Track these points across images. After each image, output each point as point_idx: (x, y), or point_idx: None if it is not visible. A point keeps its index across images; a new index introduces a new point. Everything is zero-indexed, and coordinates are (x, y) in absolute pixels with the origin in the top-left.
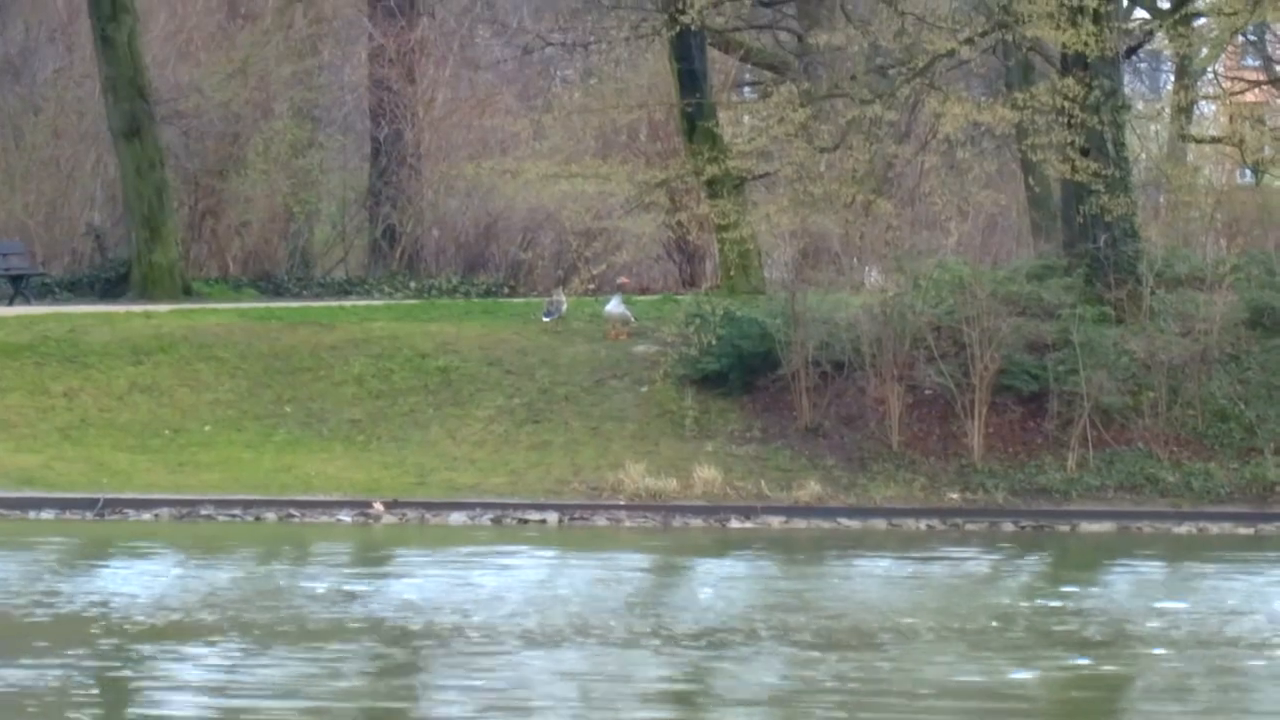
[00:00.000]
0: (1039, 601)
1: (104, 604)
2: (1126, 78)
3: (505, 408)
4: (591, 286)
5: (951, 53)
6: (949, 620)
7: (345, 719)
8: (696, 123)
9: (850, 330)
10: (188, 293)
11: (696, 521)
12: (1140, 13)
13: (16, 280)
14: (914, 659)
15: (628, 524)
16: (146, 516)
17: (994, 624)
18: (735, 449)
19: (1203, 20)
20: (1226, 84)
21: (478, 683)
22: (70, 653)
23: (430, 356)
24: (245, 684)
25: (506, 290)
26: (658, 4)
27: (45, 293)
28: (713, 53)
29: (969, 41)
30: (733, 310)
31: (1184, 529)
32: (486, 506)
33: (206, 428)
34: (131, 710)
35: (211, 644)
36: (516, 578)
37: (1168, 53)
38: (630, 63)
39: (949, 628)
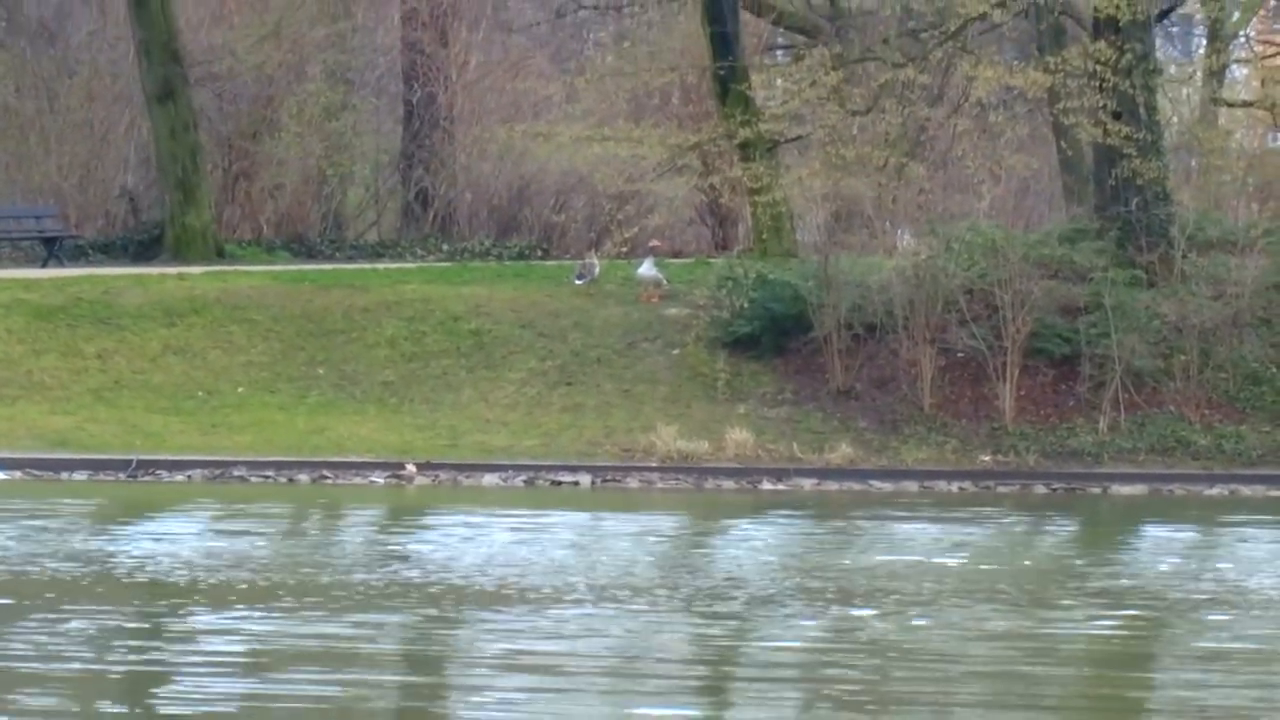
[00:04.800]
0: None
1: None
2: (1158, 41)
3: (538, 370)
4: (624, 249)
5: (984, 16)
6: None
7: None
8: (729, 86)
9: (882, 293)
10: (221, 255)
11: (728, 483)
12: None
13: (50, 243)
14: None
15: (660, 486)
16: (179, 478)
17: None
18: (767, 411)
19: None
20: (1258, 48)
21: (509, 644)
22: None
23: (463, 319)
24: (283, 648)
25: (539, 253)
26: None
27: (79, 255)
28: (745, 16)
29: (1001, 5)
30: (765, 273)
31: (1215, 491)
32: (519, 468)
33: (239, 389)
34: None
35: (254, 606)
36: (548, 538)
37: (1200, 16)
38: (663, 26)
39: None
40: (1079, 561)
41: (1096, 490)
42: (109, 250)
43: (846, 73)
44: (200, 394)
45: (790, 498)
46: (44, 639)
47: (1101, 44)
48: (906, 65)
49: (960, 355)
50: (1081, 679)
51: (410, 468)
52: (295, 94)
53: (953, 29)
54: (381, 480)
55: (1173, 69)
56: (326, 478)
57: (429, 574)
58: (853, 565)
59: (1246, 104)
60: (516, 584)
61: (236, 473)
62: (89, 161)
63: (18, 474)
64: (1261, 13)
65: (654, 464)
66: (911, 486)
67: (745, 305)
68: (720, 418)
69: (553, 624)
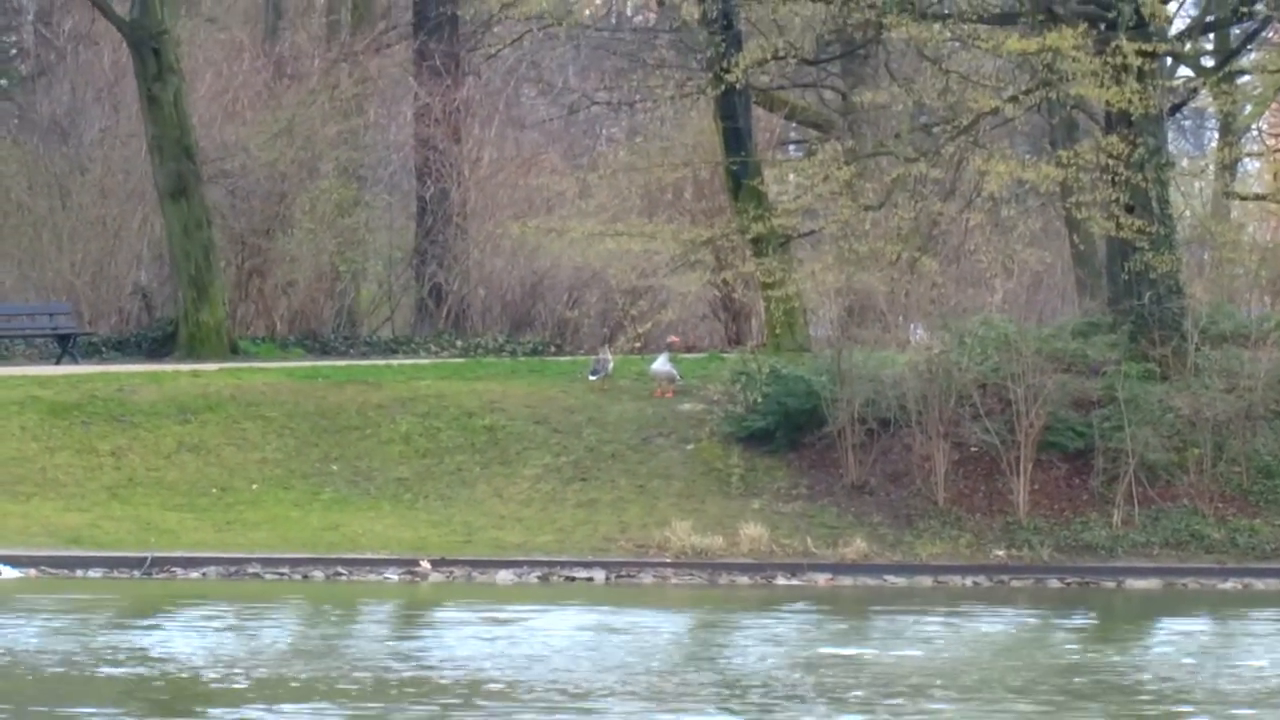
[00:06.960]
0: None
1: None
2: (1170, 135)
3: (552, 466)
4: (638, 345)
5: (996, 111)
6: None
7: None
8: (742, 181)
9: (896, 387)
10: (235, 352)
11: (743, 579)
12: (1184, 70)
13: (64, 340)
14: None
15: (674, 581)
16: (194, 575)
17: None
18: (781, 506)
19: (1246, 78)
20: (1270, 141)
21: None
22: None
23: (477, 415)
24: None
25: (553, 349)
26: (703, 63)
27: (92, 352)
28: (757, 111)
29: (1013, 100)
30: (778, 368)
31: (1229, 585)
32: (534, 564)
33: (254, 486)
34: None
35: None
36: (562, 635)
37: (1212, 110)
38: (675, 121)
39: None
40: (1019, 657)
41: (1110, 584)
42: (122, 347)
43: (859, 167)
44: (214, 491)
45: (803, 593)
46: None
47: (1114, 138)
48: (919, 160)
49: (974, 450)
50: None
51: (424, 564)
52: (308, 190)
53: (965, 124)
54: (396, 577)
55: (1185, 163)
56: (341, 574)
57: (420, 671)
58: (787, 660)
59: (1259, 197)
60: (495, 681)
61: (251, 570)
62: (102, 259)
63: (32, 572)
64: (1274, 106)
65: (668, 559)
66: (926, 581)
67: (759, 400)
68: (734, 513)
69: None
